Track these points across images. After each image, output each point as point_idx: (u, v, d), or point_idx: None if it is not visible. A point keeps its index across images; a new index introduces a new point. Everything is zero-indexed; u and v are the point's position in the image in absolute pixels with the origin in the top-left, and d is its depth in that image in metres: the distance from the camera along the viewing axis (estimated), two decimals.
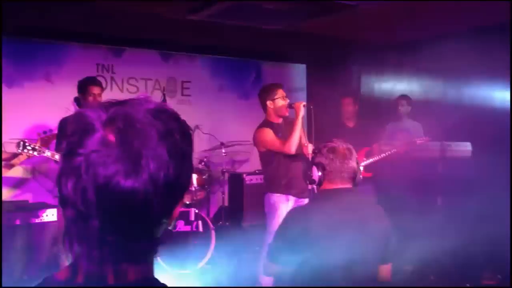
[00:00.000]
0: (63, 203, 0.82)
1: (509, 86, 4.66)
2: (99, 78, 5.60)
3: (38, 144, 3.88)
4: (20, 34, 5.18)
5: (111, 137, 0.79)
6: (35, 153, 3.88)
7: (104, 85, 5.66)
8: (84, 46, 5.64)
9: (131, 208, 0.80)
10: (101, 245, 0.81)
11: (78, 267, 0.83)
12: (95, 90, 4.24)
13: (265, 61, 6.87)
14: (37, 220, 4.74)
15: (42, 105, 5.30)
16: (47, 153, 3.95)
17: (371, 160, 4.89)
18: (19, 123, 5.05)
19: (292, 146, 3.95)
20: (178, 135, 0.86)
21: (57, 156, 3.98)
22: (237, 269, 5.18)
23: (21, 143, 3.84)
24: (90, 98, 4.22)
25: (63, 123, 4.28)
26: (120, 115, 0.82)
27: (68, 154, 0.81)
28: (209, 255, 5.08)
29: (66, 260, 0.85)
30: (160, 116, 0.85)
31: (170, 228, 0.91)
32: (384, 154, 4.88)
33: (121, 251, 0.83)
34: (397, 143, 4.93)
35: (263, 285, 4.14)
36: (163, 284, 0.89)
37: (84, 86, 4.28)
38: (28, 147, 3.84)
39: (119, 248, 0.82)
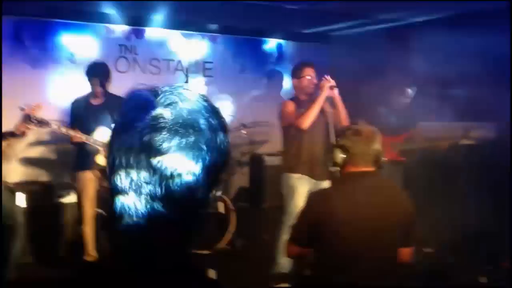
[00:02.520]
0: (115, 173, 0.84)
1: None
2: (122, 60, 5.69)
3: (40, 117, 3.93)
4: (43, 15, 5.21)
5: (167, 114, 0.83)
6: (42, 125, 3.94)
7: (127, 67, 5.76)
8: (107, 27, 5.65)
9: (182, 181, 0.82)
10: (149, 216, 0.83)
11: (126, 245, 0.86)
12: (94, 81, 4.26)
13: (287, 40, 6.81)
14: (60, 201, 4.84)
15: (66, 86, 5.34)
16: (53, 125, 4.01)
17: (409, 147, 4.79)
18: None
19: (305, 121, 3.94)
20: (222, 115, 0.91)
21: (63, 130, 4.04)
22: (257, 250, 5.22)
23: (27, 116, 3.85)
24: (91, 88, 4.30)
25: (73, 104, 4.37)
26: (174, 92, 0.87)
27: (124, 129, 0.84)
28: (229, 236, 5.13)
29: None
30: (206, 98, 0.90)
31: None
32: (425, 145, 4.79)
33: (168, 224, 0.85)
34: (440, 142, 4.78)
35: (283, 266, 4.18)
36: (202, 271, 0.92)
37: (88, 75, 4.33)
38: (34, 121, 3.88)
39: (167, 221, 0.84)
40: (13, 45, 5.14)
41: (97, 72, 4.26)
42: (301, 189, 4.03)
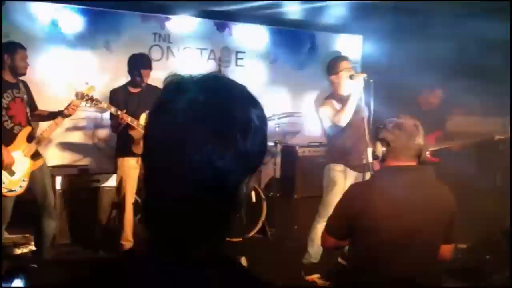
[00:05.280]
0: (149, 155, 0.85)
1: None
2: (156, 48, 5.74)
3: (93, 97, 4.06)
4: (80, 2, 5.29)
5: (202, 98, 0.82)
6: (94, 103, 4.05)
7: (160, 55, 5.82)
8: (142, 15, 5.71)
9: (212, 166, 0.80)
10: (181, 200, 0.82)
11: (159, 231, 0.85)
12: (145, 73, 4.31)
13: (319, 31, 6.76)
14: (97, 185, 4.94)
15: (101, 73, 5.43)
16: (104, 104, 4.10)
17: (442, 146, 4.71)
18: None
19: (342, 118, 3.91)
20: (260, 106, 0.89)
21: (113, 109, 4.13)
22: (288, 239, 5.25)
23: (79, 93, 4.01)
24: (138, 79, 4.32)
25: (112, 93, 4.44)
26: (211, 79, 0.86)
27: (158, 111, 0.84)
28: (260, 224, 5.18)
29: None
30: (245, 87, 0.89)
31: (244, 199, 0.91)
32: (459, 144, 4.71)
33: (199, 211, 0.83)
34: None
35: (312, 255, 4.20)
36: (237, 263, 0.90)
37: (136, 67, 4.34)
38: (86, 97, 4.03)
39: (198, 208, 0.83)
40: (50, 32, 5.23)
41: (145, 63, 4.33)
42: (340, 181, 4.07)
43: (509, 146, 4.60)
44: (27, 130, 3.98)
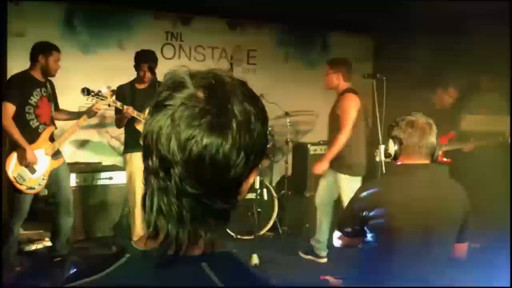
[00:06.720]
0: (147, 153, 0.84)
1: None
2: (168, 46, 5.78)
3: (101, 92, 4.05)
4: (94, 1, 5.33)
5: (200, 94, 0.82)
6: (100, 98, 4.03)
7: (173, 53, 5.86)
8: (154, 14, 5.74)
9: (211, 162, 0.80)
10: (180, 197, 0.82)
11: (159, 228, 0.84)
12: (145, 67, 4.33)
13: (331, 30, 6.75)
14: (109, 182, 4.99)
15: (114, 71, 5.45)
16: (109, 99, 4.09)
17: (454, 147, 4.70)
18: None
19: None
20: (260, 102, 0.89)
21: (118, 104, 4.14)
22: (298, 237, 5.26)
23: (85, 89, 3.98)
24: (141, 73, 4.35)
25: (119, 89, 4.43)
26: (210, 75, 0.85)
27: (157, 107, 0.83)
28: (271, 222, 5.18)
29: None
30: (244, 83, 0.89)
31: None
32: (472, 145, 4.70)
33: (199, 207, 0.83)
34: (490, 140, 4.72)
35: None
36: (235, 258, 0.90)
37: (137, 61, 4.37)
38: (92, 93, 4.00)
39: (197, 204, 0.83)
40: (64, 31, 5.28)
41: (146, 58, 4.35)
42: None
43: None
44: (50, 129, 4.05)
